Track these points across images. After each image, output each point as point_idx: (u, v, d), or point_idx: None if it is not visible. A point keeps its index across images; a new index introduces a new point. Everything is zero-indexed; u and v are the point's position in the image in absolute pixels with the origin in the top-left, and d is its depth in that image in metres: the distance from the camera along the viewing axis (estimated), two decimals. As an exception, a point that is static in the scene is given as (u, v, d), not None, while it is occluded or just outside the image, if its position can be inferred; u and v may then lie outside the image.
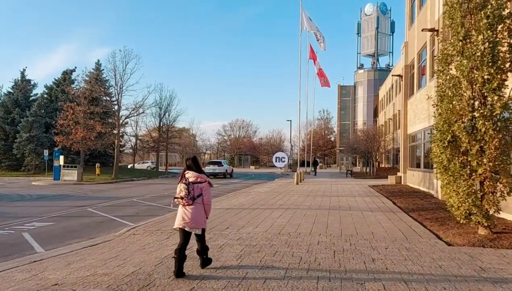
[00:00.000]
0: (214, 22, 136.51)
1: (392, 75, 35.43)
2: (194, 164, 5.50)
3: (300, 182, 26.70)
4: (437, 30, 16.21)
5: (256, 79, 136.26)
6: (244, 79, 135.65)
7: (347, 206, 13.51)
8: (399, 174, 26.18)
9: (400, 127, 27.02)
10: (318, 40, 27.48)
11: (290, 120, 66.33)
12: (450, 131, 8.00)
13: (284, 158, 39.52)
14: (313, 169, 43.58)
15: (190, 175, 5.39)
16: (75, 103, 31.40)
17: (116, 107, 32.99)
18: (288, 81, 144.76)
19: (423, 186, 19.84)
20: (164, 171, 46.11)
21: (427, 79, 19.40)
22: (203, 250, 5.59)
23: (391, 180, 25.59)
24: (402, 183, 24.51)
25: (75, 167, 28.46)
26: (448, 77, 8.10)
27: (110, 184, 28.24)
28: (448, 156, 8.07)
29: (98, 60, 43.78)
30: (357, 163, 63.58)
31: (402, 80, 25.56)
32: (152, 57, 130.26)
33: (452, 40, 8.09)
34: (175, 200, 5.35)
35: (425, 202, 14.55)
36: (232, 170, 41.76)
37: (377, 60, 76.19)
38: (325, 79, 37.60)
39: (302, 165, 41.63)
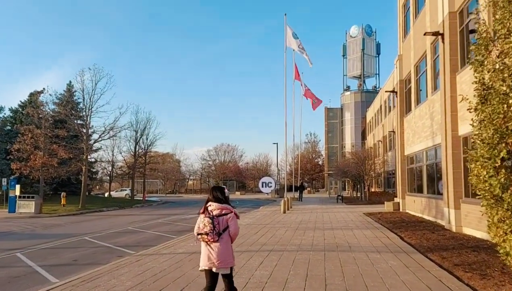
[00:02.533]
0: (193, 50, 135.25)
1: (386, 91, 33.37)
2: (218, 196, 4.86)
3: (288, 210, 23.90)
4: (442, 34, 14.05)
5: (241, 102, 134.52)
6: (228, 103, 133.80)
7: (346, 244, 10.76)
8: (396, 199, 23.61)
9: (396, 148, 24.66)
10: (304, 54, 25.26)
11: (277, 143, 64.27)
12: (504, 144, 5.45)
13: (271, 183, 36.85)
14: (298, 194, 40.66)
15: (214, 207, 4.79)
16: (33, 126, 28.11)
17: (84, 130, 29.81)
18: (274, 104, 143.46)
19: (428, 215, 17.26)
20: (141, 199, 42.68)
21: (428, 92, 17.14)
22: None
23: (388, 206, 23.01)
24: (401, 210, 21.93)
25: (33, 197, 25.10)
26: (497, 67, 5.60)
27: (73, 216, 24.91)
28: (502, 180, 5.48)
29: (70, 82, 40.93)
30: (347, 187, 61.09)
31: (397, 97, 23.38)
32: (135, 83, 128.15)
33: (501, 14, 5.64)
34: (199, 236, 4.70)
35: (438, 236, 11.92)
36: (229, 195, 43.04)
37: (364, 82, 74.95)
38: (315, 100, 35.35)
39: (290, 189, 38.91)
